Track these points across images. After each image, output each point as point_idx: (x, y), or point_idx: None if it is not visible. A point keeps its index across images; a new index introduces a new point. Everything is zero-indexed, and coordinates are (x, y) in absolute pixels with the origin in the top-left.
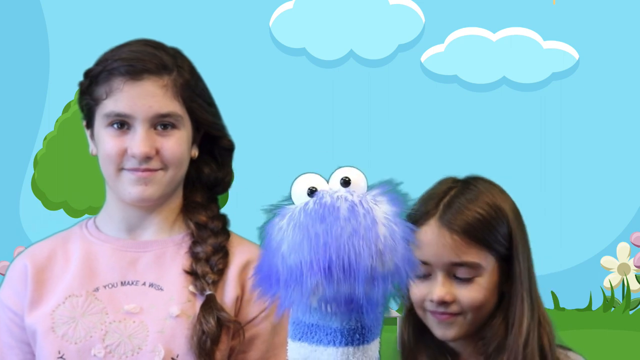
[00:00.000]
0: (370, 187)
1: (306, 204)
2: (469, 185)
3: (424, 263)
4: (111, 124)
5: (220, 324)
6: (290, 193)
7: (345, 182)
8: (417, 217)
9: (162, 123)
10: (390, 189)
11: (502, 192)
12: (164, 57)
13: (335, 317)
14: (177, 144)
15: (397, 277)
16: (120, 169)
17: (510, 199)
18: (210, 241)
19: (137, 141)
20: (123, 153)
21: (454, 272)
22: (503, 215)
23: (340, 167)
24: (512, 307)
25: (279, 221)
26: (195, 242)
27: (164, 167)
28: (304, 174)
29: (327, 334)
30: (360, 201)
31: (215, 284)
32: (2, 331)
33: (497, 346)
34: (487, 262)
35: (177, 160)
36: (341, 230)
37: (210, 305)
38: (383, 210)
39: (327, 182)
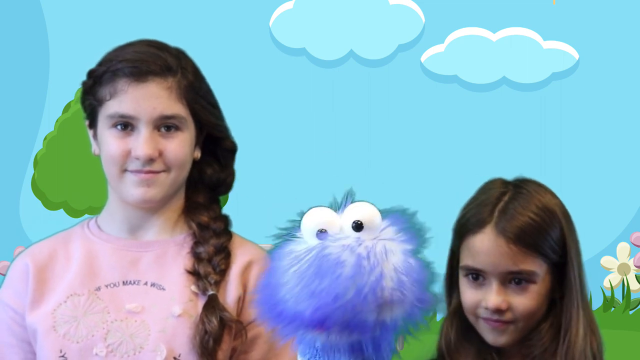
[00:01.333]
0: (384, 216)
1: (311, 250)
2: (521, 189)
3: (478, 270)
4: (115, 125)
5: (223, 323)
6: (299, 222)
7: (358, 227)
8: (471, 224)
9: (165, 125)
10: (405, 222)
11: (553, 194)
12: (168, 58)
13: (340, 355)
14: (180, 146)
15: (409, 320)
16: (124, 171)
17: (560, 201)
18: (213, 242)
19: (141, 143)
20: (127, 154)
21: (508, 279)
22: (555, 218)
23: (353, 202)
24: (566, 315)
25: (284, 256)
26: (197, 243)
27: (167, 169)
28: (315, 207)
29: None
30: (368, 254)
31: (217, 284)
32: (3, 330)
33: (543, 351)
34: (541, 270)
35: (180, 162)
36: (343, 289)
37: (212, 305)
38: (393, 261)
39: (340, 211)
